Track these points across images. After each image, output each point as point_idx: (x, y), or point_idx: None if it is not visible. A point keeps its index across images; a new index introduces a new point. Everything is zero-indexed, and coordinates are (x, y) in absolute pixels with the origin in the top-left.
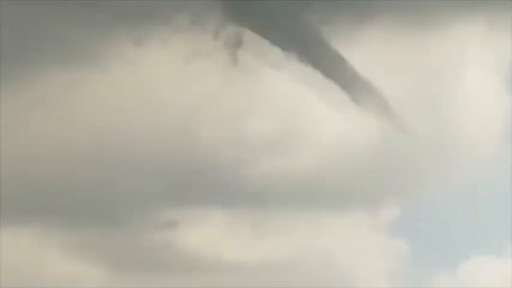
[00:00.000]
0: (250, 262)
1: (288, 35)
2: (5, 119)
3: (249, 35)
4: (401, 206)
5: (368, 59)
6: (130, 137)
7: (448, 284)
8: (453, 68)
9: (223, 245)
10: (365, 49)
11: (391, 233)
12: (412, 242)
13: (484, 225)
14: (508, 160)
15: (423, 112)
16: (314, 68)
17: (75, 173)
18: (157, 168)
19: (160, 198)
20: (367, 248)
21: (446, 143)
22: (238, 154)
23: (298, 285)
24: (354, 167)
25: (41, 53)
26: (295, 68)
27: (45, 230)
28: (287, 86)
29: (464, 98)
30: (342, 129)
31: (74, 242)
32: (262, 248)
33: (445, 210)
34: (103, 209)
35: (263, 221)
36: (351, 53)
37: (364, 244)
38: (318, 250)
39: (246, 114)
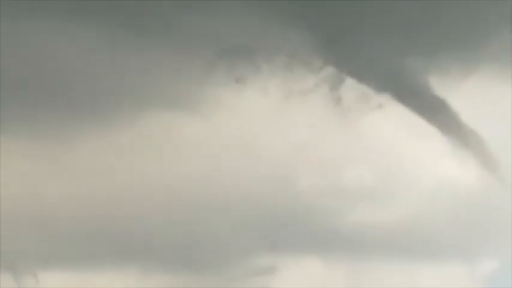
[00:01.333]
0: None
1: (390, 79)
2: (102, 157)
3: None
4: (499, 258)
5: (470, 107)
6: (227, 182)
7: None
8: None
9: None
10: (468, 97)
11: (488, 285)
12: None
13: None
14: None
15: None
16: (415, 112)
17: (172, 218)
18: (254, 215)
19: (256, 244)
20: None
21: None
22: (336, 201)
23: None
24: (452, 216)
25: (142, 95)
26: (396, 113)
27: (141, 276)
28: (387, 131)
29: None
30: (441, 178)
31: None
32: None
33: None
34: (199, 255)
35: (359, 268)
36: (454, 100)
37: None
38: None
39: (344, 160)
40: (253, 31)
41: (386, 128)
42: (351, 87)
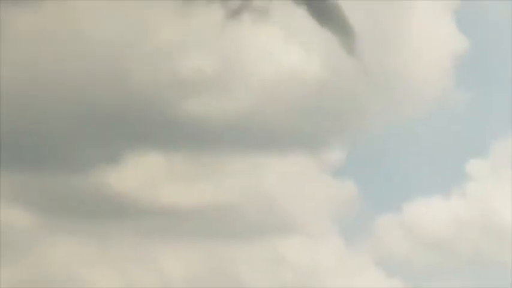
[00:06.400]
0: (187, 205)
1: None
2: None
3: None
4: (345, 148)
5: None
6: (61, 76)
7: (394, 225)
8: (402, 6)
9: (160, 187)
10: None
11: (335, 175)
12: (357, 184)
13: (429, 166)
14: (454, 101)
15: (371, 50)
16: None
17: (3, 115)
18: (90, 109)
19: (93, 139)
20: (309, 190)
21: (392, 83)
22: (173, 93)
23: (238, 229)
24: (296, 107)
25: None
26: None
27: None
28: (223, 20)
29: (413, 37)
30: (283, 67)
31: (5, 188)
32: (200, 190)
33: (391, 151)
34: (33, 152)
35: (201, 162)
36: None
37: (306, 186)
38: (259, 193)
39: (180, 51)
40: None
41: (221, 17)
42: None
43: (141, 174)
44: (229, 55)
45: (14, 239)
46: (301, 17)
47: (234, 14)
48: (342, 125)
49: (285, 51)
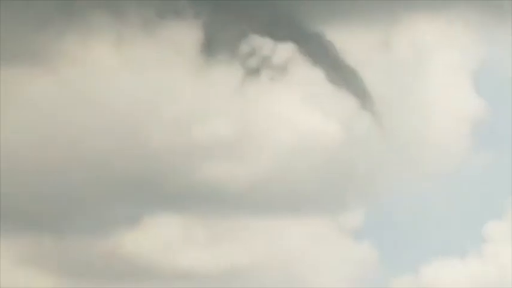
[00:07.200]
0: (206, 269)
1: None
2: None
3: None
4: (363, 210)
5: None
6: (79, 141)
7: (412, 287)
8: (420, 69)
9: (178, 251)
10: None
11: (353, 237)
12: (375, 246)
13: (447, 228)
14: (473, 163)
15: (389, 113)
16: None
17: (22, 179)
18: (108, 173)
19: (111, 203)
20: (327, 253)
21: (410, 146)
22: (191, 157)
23: None
24: (314, 169)
25: None
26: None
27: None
28: (241, 85)
29: (430, 100)
30: (301, 130)
31: (25, 251)
32: (218, 254)
33: (408, 213)
34: (51, 215)
35: (219, 226)
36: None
37: (324, 249)
38: (277, 256)
39: (198, 116)
40: None
41: (239, 81)
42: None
43: (159, 238)
44: (247, 118)
45: None
46: (320, 78)
47: (253, 72)
48: (360, 187)
49: (303, 113)
